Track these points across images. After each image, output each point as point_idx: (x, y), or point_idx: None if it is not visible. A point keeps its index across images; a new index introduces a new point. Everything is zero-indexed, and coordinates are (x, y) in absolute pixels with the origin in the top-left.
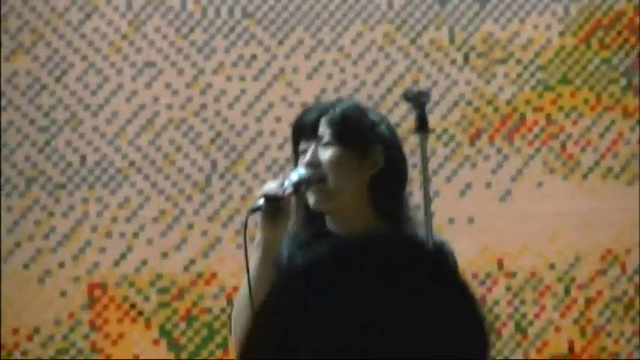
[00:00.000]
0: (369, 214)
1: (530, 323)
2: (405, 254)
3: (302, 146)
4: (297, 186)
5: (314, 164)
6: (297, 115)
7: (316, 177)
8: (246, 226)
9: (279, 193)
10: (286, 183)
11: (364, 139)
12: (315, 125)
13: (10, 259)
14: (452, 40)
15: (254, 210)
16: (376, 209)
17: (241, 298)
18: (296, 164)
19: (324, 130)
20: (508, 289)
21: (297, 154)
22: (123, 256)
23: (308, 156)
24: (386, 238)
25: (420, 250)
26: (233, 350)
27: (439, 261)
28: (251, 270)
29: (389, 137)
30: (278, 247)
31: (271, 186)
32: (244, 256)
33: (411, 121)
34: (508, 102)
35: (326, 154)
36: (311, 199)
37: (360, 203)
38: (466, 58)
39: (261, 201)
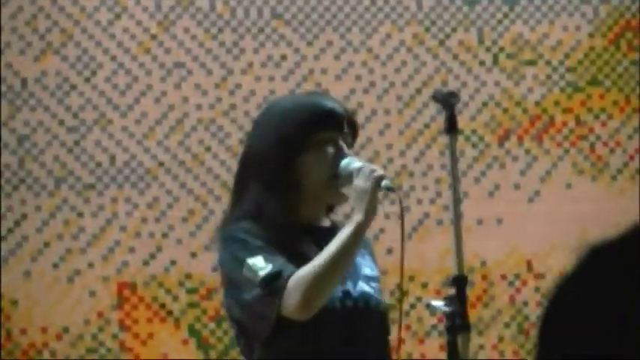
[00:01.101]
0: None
1: None
2: None
3: (328, 134)
4: None
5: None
6: (314, 100)
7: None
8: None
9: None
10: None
11: None
12: (343, 120)
13: (40, 258)
14: (481, 42)
15: (389, 189)
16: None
17: (331, 266)
18: (313, 147)
19: (348, 128)
20: (537, 290)
21: (313, 139)
22: (152, 256)
23: (346, 150)
24: None
25: None
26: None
27: None
28: (350, 243)
29: None
30: None
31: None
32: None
33: (440, 122)
34: (537, 103)
35: (351, 154)
36: (343, 192)
37: None
38: (495, 59)
39: (387, 182)
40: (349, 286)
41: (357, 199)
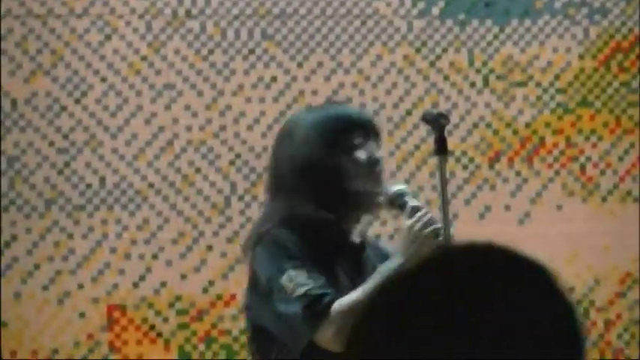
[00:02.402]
0: None
1: None
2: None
3: (358, 139)
4: None
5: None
6: (345, 108)
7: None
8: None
9: None
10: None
11: None
12: (373, 126)
13: (29, 280)
14: (471, 63)
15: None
16: None
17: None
18: (348, 152)
19: (377, 133)
20: None
21: (348, 144)
22: (142, 278)
23: (377, 153)
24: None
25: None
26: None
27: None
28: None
29: None
30: None
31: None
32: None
33: (430, 143)
34: (527, 124)
35: (381, 155)
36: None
37: None
38: (485, 80)
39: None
40: None
41: (408, 240)
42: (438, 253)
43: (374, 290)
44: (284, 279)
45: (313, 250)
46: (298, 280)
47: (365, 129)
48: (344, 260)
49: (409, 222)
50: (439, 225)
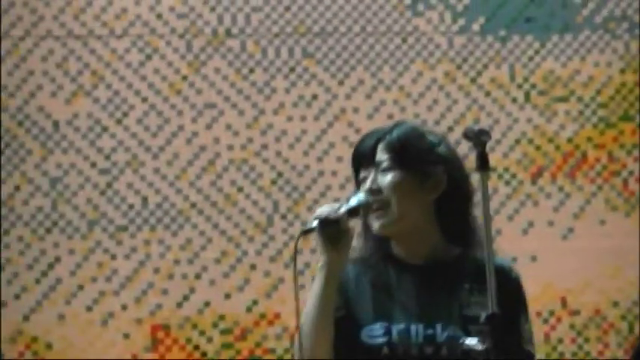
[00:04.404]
0: (436, 237)
1: None
2: None
3: (362, 174)
4: (353, 209)
5: (374, 191)
6: (355, 143)
7: (378, 203)
8: (296, 247)
9: (332, 215)
10: (343, 206)
11: (423, 161)
12: (373, 151)
13: (73, 301)
14: (512, 78)
15: (306, 232)
16: (444, 232)
17: (308, 320)
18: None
19: (382, 155)
20: (572, 326)
21: (358, 183)
22: (185, 298)
23: (368, 182)
24: None
25: None
26: None
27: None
28: (316, 290)
29: (449, 157)
30: (342, 269)
31: (324, 209)
32: (293, 277)
33: (471, 159)
34: (569, 139)
35: (386, 179)
36: (375, 224)
37: (426, 226)
38: (527, 96)
39: (315, 223)
40: (437, 329)
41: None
42: None
43: None
44: None
45: (370, 282)
46: None
47: (362, 163)
48: (405, 281)
49: None
50: (316, 214)
